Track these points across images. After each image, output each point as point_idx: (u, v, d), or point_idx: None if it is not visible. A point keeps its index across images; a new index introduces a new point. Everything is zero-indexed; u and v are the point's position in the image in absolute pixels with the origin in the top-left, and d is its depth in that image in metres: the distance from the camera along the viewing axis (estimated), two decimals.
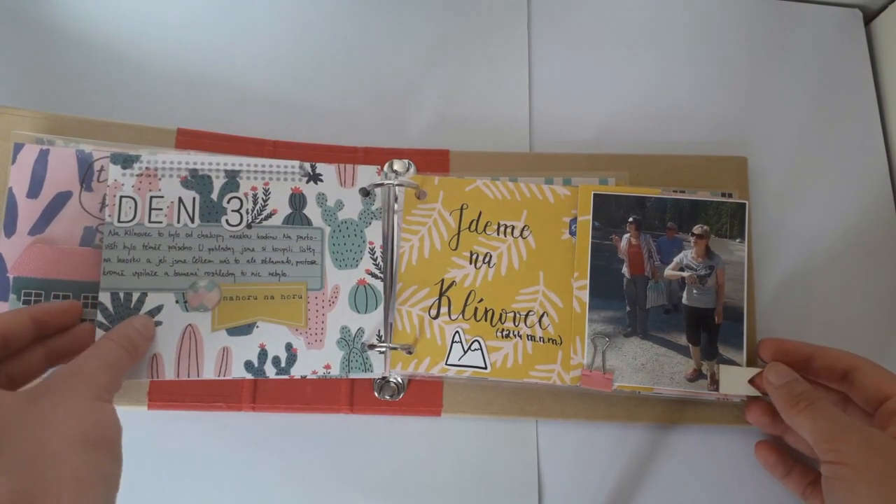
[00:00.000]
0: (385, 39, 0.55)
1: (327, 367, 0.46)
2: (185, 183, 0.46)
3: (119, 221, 0.45)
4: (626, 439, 0.48)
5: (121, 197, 0.45)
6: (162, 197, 0.46)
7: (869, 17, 0.58)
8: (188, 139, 0.48)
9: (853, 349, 0.43)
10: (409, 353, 0.46)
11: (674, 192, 0.48)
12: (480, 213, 0.48)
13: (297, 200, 0.47)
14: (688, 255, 0.47)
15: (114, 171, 0.45)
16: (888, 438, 0.37)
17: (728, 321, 0.46)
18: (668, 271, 0.47)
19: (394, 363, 0.46)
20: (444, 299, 0.47)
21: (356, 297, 0.47)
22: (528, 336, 0.46)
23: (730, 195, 0.49)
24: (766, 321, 0.49)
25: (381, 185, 0.48)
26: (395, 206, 0.48)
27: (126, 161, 0.46)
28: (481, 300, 0.47)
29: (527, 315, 0.47)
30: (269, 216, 0.47)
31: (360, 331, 0.46)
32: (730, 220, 0.47)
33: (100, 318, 0.43)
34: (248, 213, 0.46)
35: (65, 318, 0.42)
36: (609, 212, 0.47)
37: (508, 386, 0.47)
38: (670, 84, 0.55)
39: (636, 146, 0.53)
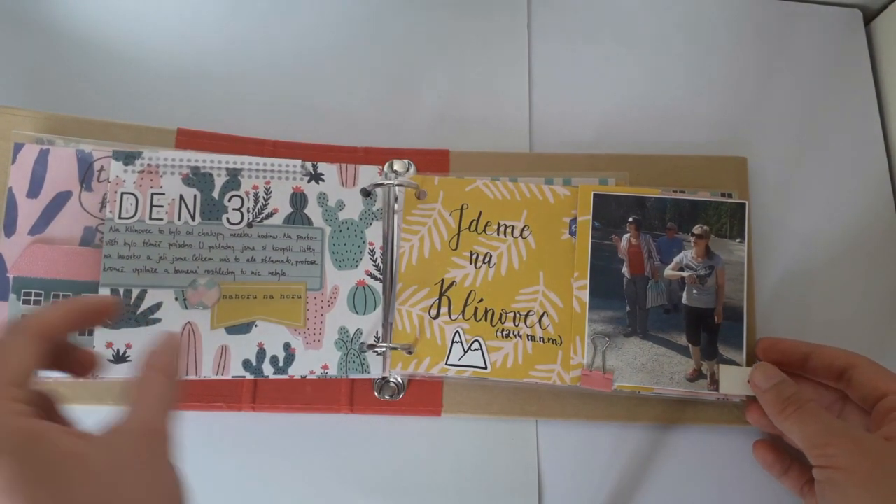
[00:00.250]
0: (385, 39, 0.55)
1: (325, 367, 0.46)
2: (187, 180, 0.46)
3: (120, 218, 0.45)
4: (626, 439, 0.48)
5: (122, 193, 0.45)
6: (163, 194, 0.46)
7: (869, 17, 0.58)
8: (188, 139, 0.48)
9: (853, 349, 0.43)
10: (409, 353, 0.46)
11: (674, 192, 0.48)
12: (480, 213, 0.48)
13: (298, 200, 0.47)
14: (688, 255, 0.47)
15: (115, 168, 0.45)
16: (878, 440, 0.37)
17: (728, 321, 0.46)
18: (668, 271, 0.47)
19: (394, 363, 0.46)
20: (444, 299, 0.47)
21: (355, 297, 0.47)
22: (528, 336, 0.46)
23: (730, 195, 0.49)
24: (766, 321, 0.49)
25: (382, 185, 0.48)
26: (395, 206, 0.48)
27: (128, 157, 0.46)
28: (481, 300, 0.47)
29: (527, 315, 0.47)
30: (270, 215, 0.47)
31: (359, 332, 0.46)
32: (730, 220, 0.47)
33: None
34: (248, 211, 0.46)
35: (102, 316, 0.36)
36: (609, 212, 0.47)
37: (508, 386, 0.47)
38: (670, 84, 0.55)
39: (636, 146, 0.53)
